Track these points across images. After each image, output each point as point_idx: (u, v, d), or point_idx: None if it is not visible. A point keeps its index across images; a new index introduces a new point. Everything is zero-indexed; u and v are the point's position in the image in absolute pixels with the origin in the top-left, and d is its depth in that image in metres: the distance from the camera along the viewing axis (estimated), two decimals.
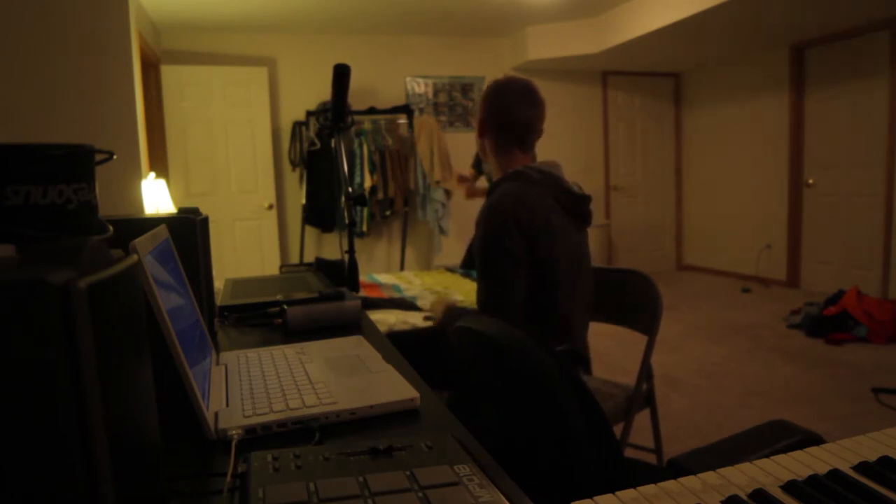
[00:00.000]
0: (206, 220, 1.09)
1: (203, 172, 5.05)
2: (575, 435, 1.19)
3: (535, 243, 1.54)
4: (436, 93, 5.97)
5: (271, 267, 5.21)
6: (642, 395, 1.88)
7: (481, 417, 1.21)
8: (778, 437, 1.05)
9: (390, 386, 0.88)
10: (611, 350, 3.85)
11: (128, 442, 0.42)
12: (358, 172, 5.29)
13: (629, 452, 1.84)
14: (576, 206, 1.63)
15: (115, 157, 0.54)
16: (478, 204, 6.02)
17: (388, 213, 5.65)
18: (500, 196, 1.58)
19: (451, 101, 6.03)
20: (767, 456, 0.62)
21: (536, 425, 1.20)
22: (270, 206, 5.26)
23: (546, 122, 1.75)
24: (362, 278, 3.37)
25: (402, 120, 5.59)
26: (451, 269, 3.86)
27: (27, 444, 0.33)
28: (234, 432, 0.73)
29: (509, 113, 1.66)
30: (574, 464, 1.16)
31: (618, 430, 1.80)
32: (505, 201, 1.55)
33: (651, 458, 2.07)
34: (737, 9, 4.19)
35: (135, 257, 0.49)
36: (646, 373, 1.88)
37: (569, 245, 1.61)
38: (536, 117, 1.67)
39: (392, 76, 5.84)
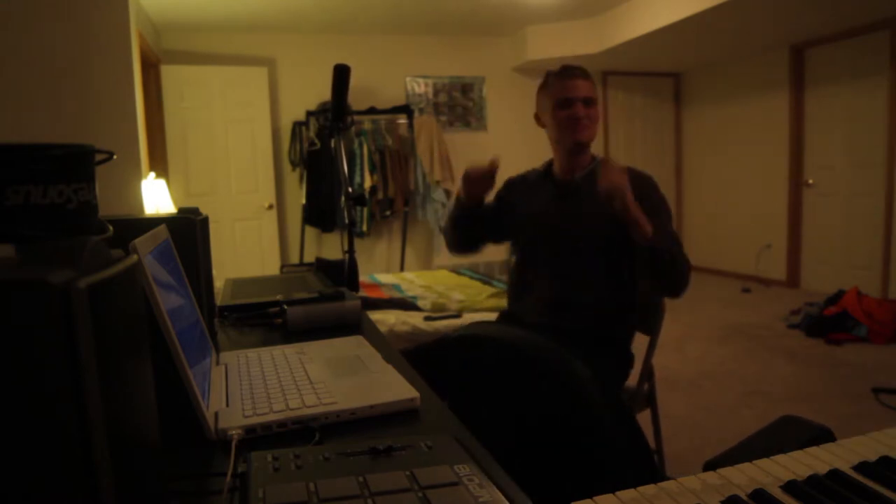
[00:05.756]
0: (206, 220, 1.09)
1: (203, 172, 5.04)
2: (600, 424, 1.32)
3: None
4: (436, 93, 5.97)
5: (271, 267, 5.20)
6: (644, 396, 1.88)
7: (487, 416, 1.30)
8: (795, 432, 1.06)
9: (390, 386, 0.88)
10: None
11: (128, 442, 0.42)
12: (358, 172, 5.29)
13: None
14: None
15: (115, 157, 0.54)
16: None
17: (388, 213, 5.64)
18: None
19: (451, 101, 6.03)
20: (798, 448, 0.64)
21: (564, 417, 1.32)
22: (270, 206, 5.26)
23: None
24: (362, 278, 3.36)
25: (402, 120, 5.59)
26: (455, 271, 3.85)
27: (27, 444, 0.33)
28: (234, 432, 0.73)
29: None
30: (599, 446, 1.28)
31: None
32: None
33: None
34: (737, 9, 4.19)
35: (135, 257, 0.49)
36: (647, 373, 1.88)
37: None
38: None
39: (392, 76, 5.83)
